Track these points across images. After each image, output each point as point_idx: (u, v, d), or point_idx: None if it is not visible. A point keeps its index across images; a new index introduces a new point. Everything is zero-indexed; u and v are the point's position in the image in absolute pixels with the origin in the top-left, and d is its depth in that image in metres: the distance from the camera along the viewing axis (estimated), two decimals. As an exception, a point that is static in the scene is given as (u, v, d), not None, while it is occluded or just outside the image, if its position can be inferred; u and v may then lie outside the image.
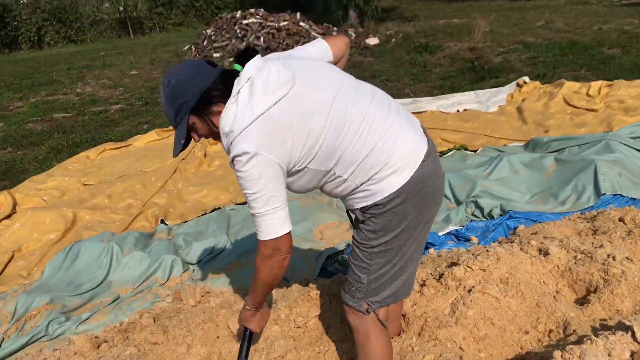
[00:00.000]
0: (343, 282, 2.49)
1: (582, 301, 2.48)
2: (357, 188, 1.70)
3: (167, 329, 2.54)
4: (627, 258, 2.53)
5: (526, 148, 4.97)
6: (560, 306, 2.34)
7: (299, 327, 2.28)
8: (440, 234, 3.60)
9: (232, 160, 1.61)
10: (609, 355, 1.76)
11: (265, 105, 1.57)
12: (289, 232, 1.67)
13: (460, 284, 2.39)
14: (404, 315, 2.32)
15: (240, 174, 1.60)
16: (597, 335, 1.92)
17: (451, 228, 3.67)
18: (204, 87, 1.64)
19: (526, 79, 7.16)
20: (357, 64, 10.06)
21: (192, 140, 1.77)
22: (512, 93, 6.91)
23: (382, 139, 1.63)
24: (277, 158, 1.59)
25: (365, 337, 1.84)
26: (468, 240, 3.50)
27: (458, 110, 6.48)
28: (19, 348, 2.83)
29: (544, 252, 2.69)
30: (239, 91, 1.62)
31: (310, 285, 2.53)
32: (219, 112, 1.66)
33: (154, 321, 2.83)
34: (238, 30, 11.68)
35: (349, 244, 3.36)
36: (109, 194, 4.87)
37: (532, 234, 3.17)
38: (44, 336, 2.90)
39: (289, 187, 1.74)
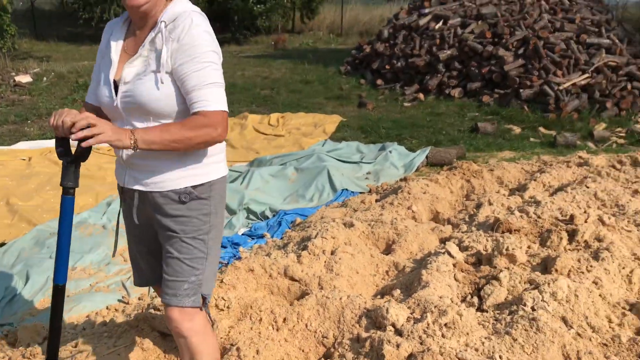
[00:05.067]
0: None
1: (387, 252, 3.44)
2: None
3: None
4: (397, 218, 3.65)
5: (251, 166, 5.81)
6: (383, 255, 3.25)
7: None
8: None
9: (191, 25, 1.64)
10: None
11: None
12: None
13: (324, 250, 3.03)
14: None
15: (207, 35, 1.66)
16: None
17: (243, 230, 4.22)
18: None
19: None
20: (16, 102, 9.15)
21: None
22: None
23: None
24: None
25: (203, 336, 1.79)
26: (261, 236, 4.11)
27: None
28: None
29: (349, 225, 3.57)
30: None
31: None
32: None
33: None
34: None
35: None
36: None
37: (320, 218, 4.03)
38: None
39: None
